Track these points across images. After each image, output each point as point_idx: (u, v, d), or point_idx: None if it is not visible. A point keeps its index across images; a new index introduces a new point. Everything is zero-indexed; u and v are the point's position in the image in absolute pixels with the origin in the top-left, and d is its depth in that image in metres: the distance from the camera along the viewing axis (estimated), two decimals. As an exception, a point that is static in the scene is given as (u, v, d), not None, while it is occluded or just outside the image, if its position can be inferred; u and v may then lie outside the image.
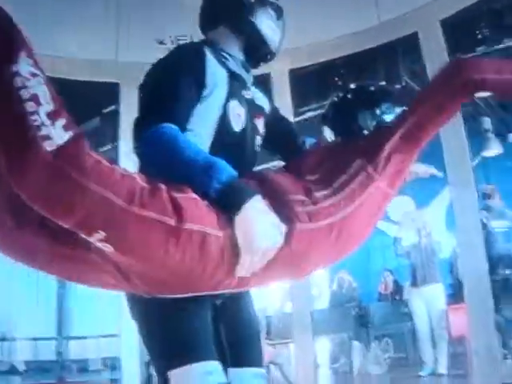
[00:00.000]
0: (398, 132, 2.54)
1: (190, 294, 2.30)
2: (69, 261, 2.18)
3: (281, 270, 2.38)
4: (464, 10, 8.01)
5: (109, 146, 10.60)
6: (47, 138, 1.87)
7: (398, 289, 13.07)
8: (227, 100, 2.61)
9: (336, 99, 3.07)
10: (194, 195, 2.18)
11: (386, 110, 2.84)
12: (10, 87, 1.86)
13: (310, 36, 8.29)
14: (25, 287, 13.82)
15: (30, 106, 1.86)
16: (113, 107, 9.86)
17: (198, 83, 2.53)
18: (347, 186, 2.46)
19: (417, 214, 11.15)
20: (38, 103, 1.88)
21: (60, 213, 1.97)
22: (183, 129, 2.43)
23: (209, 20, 2.93)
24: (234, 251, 2.18)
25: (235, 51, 2.82)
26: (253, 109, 2.81)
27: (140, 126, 2.46)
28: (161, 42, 8.39)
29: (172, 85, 2.50)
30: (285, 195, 2.35)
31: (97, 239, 2.00)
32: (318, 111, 10.01)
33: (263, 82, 7.35)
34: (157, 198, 2.06)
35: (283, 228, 2.26)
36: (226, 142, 2.59)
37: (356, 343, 11.70)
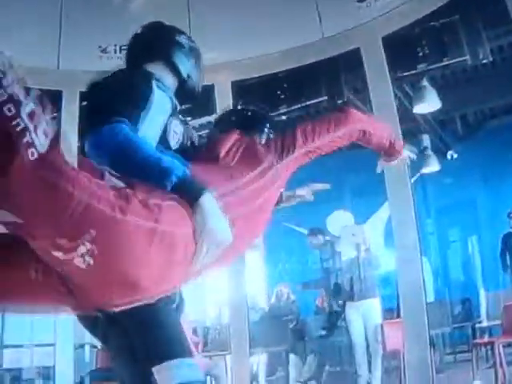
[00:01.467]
0: (305, 147, 2.82)
1: (141, 302, 2.31)
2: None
3: (220, 259, 2.43)
4: (406, 27, 8.12)
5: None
6: (31, 145, 1.75)
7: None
8: (169, 119, 2.86)
9: (220, 118, 3.44)
10: (158, 194, 2.20)
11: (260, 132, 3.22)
12: None
13: (253, 49, 8.32)
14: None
15: (8, 110, 1.72)
16: (54, 115, 9.78)
17: (144, 104, 2.72)
18: (262, 178, 2.62)
19: (357, 229, 11.18)
20: (17, 104, 1.74)
21: (49, 225, 1.90)
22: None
23: (146, 55, 3.10)
24: (194, 245, 2.23)
25: (170, 84, 3.04)
26: (187, 130, 3.08)
27: (97, 121, 2.54)
28: (103, 51, 8.34)
29: (128, 94, 2.67)
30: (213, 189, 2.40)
31: (78, 254, 1.95)
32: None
33: (206, 93, 7.38)
34: (132, 203, 2.06)
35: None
36: None
37: (292, 356, 11.69)
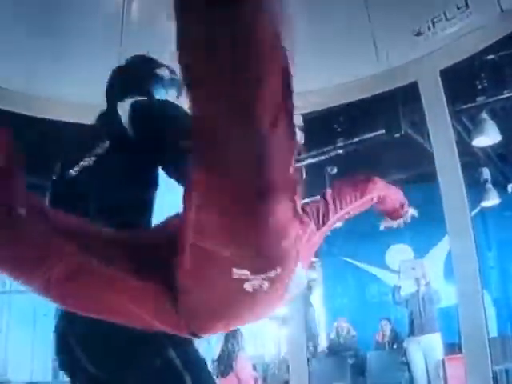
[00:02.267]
0: (337, 214, 2.94)
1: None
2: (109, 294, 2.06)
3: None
4: (464, 60, 8.07)
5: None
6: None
7: (395, 337, 12.98)
8: None
9: None
10: None
11: None
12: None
13: (309, 83, 8.33)
14: (21, 330, 13.71)
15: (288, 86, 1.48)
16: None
17: None
18: (308, 244, 2.67)
19: (417, 263, 11.11)
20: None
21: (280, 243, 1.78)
22: None
23: (125, 88, 3.02)
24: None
25: None
26: None
27: None
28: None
29: None
30: None
31: (260, 278, 1.80)
32: (318, 158, 10.03)
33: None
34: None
35: None
36: None
37: (353, 392, 11.61)
